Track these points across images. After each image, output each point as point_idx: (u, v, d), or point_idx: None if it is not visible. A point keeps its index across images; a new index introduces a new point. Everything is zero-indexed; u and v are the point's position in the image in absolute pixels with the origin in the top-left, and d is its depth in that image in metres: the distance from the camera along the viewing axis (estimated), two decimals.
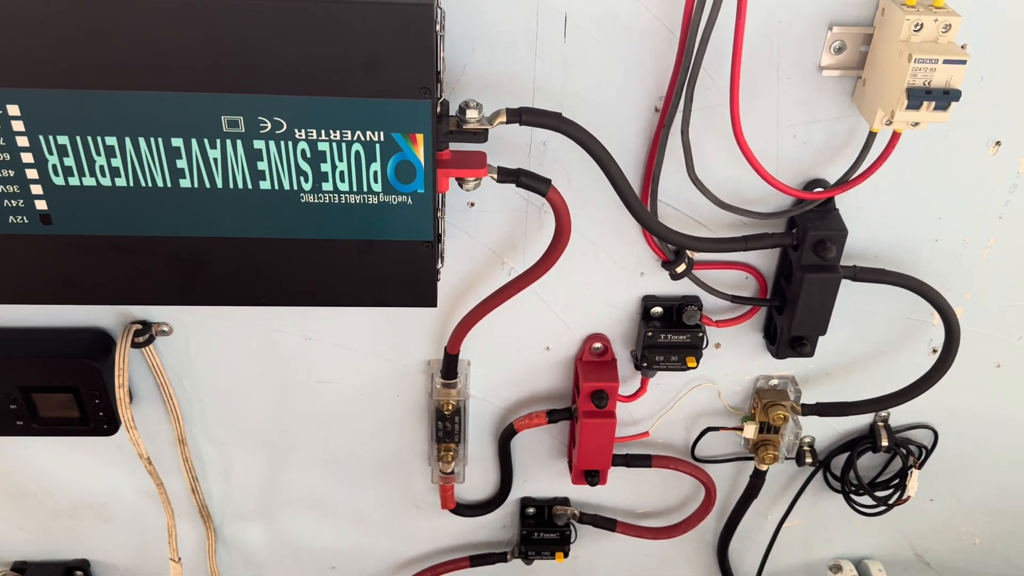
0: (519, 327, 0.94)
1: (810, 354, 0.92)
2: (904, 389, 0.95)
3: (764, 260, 0.92)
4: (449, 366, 0.93)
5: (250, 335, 0.93)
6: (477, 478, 1.07)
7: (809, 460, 1.05)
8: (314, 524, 1.11)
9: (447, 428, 0.97)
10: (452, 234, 0.86)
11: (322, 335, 0.93)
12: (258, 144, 0.68)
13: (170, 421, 0.97)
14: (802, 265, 0.85)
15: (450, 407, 0.96)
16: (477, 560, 1.13)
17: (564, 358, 0.97)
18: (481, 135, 0.71)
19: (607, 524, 1.10)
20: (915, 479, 1.03)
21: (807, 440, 1.05)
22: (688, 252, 0.88)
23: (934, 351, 0.98)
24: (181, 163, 0.69)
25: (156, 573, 1.13)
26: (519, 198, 0.85)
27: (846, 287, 0.87)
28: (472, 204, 0.85)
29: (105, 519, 1.08)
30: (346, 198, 0.71)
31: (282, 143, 0.68)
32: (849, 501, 1.08)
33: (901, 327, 0.97)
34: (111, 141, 0.68)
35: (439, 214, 0.75)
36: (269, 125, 0.67)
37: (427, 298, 0.77)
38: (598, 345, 0.96)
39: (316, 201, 0.71)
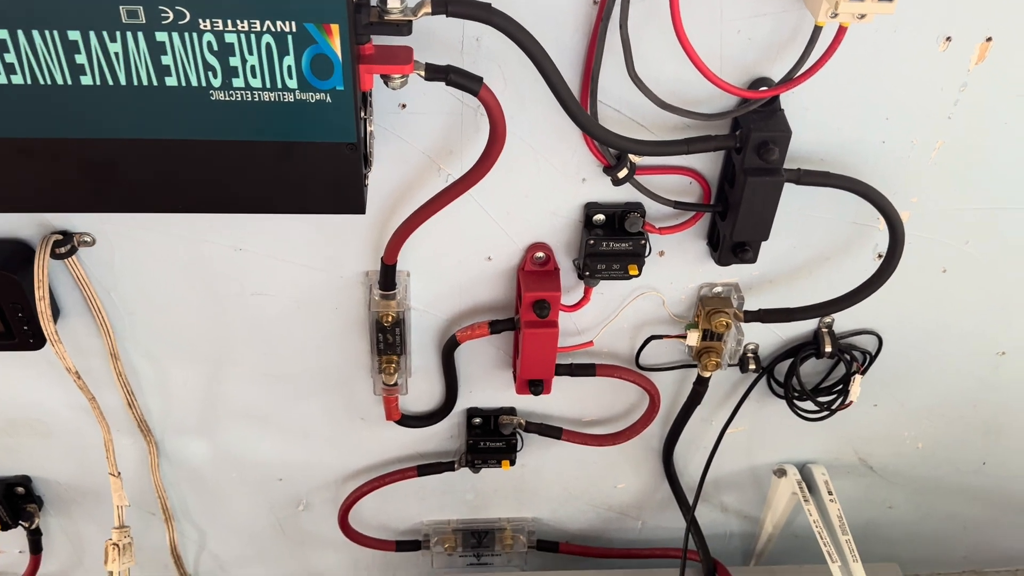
0: (459, 237, 0.92)
1: (752, 260, 0.91)
2: (848, 294, 0.94)
3: (708, 164, 0.89)
4: (387, 277, 0.91)
5: (178, 246, 0.90)
6: (422, 389, 1.06)
7: (752, 367, 1.05)
8: (259, 438, 1.10)
9: (388, 340, 0.96)
10: (383, 138, 0.82)
11: (253, 246, 0.90)
12: (160, 36, 0.63)
13: (100, 335, 0.95)
14: (745, 168, 0.83)
15: (390, 319, 0.94)
16: (425, 469, 1.13)
17: (506, 268, 0.95)
18: (404, 27, 0.67)
19: (553, 432, 1.10)
20: (858, 385, 1.04)
21: (750, 347, 1.05)
22: (630, 156, 0.85)
23: (879, 256, 0.98)
24: (80, 58, 0.64)
25: (98, 488, 1.12)
26: (453, 99, 0.81)
27: (790, 191, 0.85)
28: (404, 106, 0.81)
29: (42, 435, 1.06)
30: (260, 96, 0.67)
31: (186, 35, 0.63)
32: (792, 407, 1.08)
33: (846, 232, 0.96)
34: (2, 35, 0.63)
35: (363, 114, 0.71)
36: (171, 15, 0.62)
37: (354, 204, 0.74)
38: (540, 254, 0.94)
39: (227, 99, 0.67)
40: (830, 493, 1.15)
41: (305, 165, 0.71)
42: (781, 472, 1.20)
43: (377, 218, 0.89)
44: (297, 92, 0.67)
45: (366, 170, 0.75)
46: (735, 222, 0.86)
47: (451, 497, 1.22)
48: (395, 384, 1.00)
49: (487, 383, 1.07)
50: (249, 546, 1.26)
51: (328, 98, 0.67)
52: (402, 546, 1.24)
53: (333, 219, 0.88)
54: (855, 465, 1.22)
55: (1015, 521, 1.34)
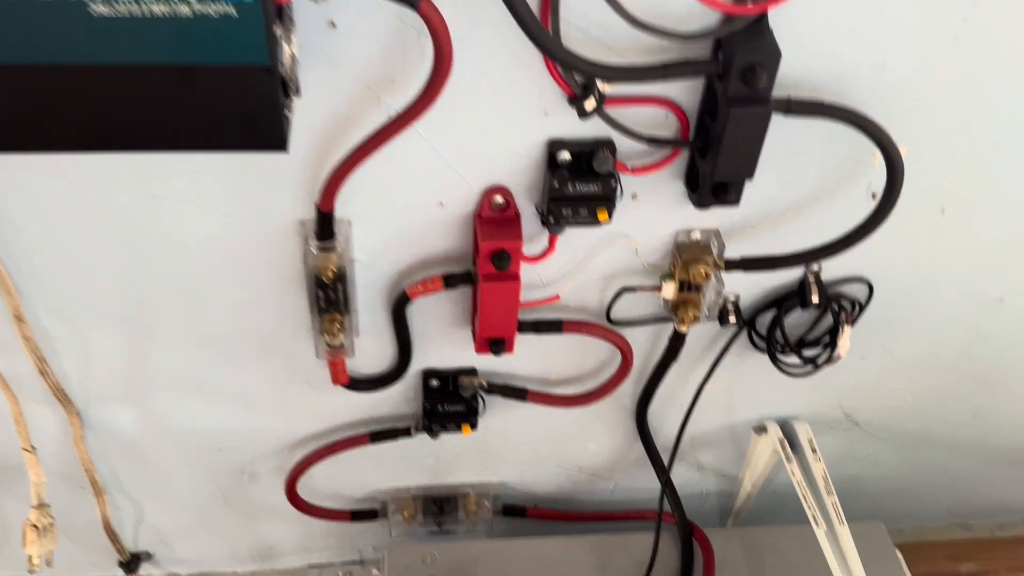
0: (406, 180, 0.81)
1: (735, 202, 0.81)
2: (840, 239, 0.85)
3: (686, 94, 0.79)
4: (324, 226, 0.80)
5: (83, 193, 0.78)
6: (372, 351, 0.97)
7: (733, 320, 0.96)
8: (193, 405, 1.00)
9: (330, 297, 0.85)
10: (311, 62, 0.71)
11: (167, 192, 0.79)
12: None
13: (1, 296, 0.83)
14: (728, 97, 0.73)
15: (330, 273, 0.83)
16: (378, 436, 1.04)
17: (460, 215, 0.85)
18: None
19: (517, 394, 1.01)
20: (847, 337, 0.96)
21: (731, 298, 0.96)
22: (598, 85, 0.75)
23: (873, 196, 0.88)
24: None
25: (18, 463, 1.02)
26: (392, 17, 0.70)
27: (777, 124, 0.76)
28: (333, 24, 0.69)
29: None
30: (150, 9, 0.55)
31: None
32: (775, 362, 1.00)
33: (837, 170, 0.86)
34: None
35: (280, 31, 0.59)
36: None
37: (273, 139, 0.63)
38: (498, 199, 0.83)
39: (111, 14, 0.55)
40: (814, 451, 1.08)
41: (211, 93, 0.59)
42: (761, 429, 1.13)
43: (309, 158, 0.78)
44: (195, 4, 0.55)
45: (288, 100, 0.64)
46: (717, 159, 0.76)
47: (409, 463, 1.13)
48: (340, 346, 0.90)
49: (444, 342, 0.97)
50: (191, 518, 1.18)
51: (234, 11, 0.56)
52: (357, 516, 1.16)
53: (258, 160, 0.77)
54: (840, 420, 1.15)
55: (1003, 474, 1.29)
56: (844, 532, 1.00)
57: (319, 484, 1.14)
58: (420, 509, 1.16)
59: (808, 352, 0.98)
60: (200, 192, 0.79)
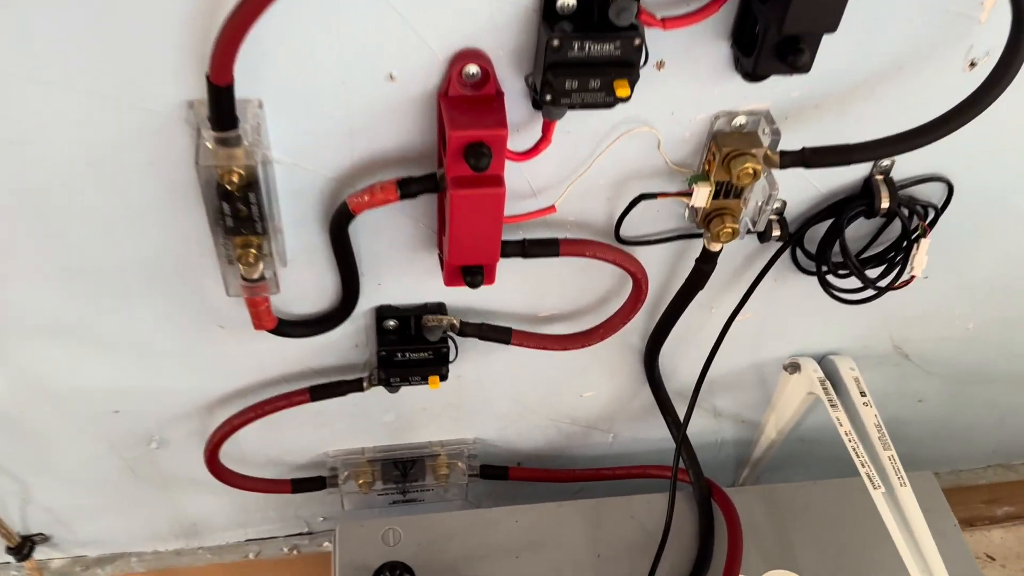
0: (341, 42, 0.56)
1: (807, 67, 0.58)
2: (938, 121, 0.62)
3: None
4: (220, 108, 0.55)
5: None
6: (307, 284, 0.73)
7: (777, 234, 0.74)
8: (71, 359, 0.76)
9: (239, 212, 0.61)
10: None
11: None
12: None
13: None
14: None
15: (236, 178, 0.59)
16: (320, 392, 0.82)
17: (420, 93, 0.60)
18: None
19: (499, 335, 0.79)
20: (924, 251, 0.74)
21: (776, 206, 0.74)
22: None
23: (972, 65, 0.66)
24: None
25: None
26: None
27: None
28: None
29: None
30: None
31: None
32: (826, 287, 0.79)
33: (931, 28, 0.63)
34: None
35: None
36: None
37: None
38: (472, 69, 0.59)
39: None
40: (863, 394, 0.88)
41: None
42: (793, 367, 0.93)
43: (193, 5, 0.52)
44: None
45: None
46: (789, 1, 0.53)
47: (363, 420, 0.91)
48: (260, 279, 0.66)
49: (402, 271, 0.74)
50: (92, 494, 0.95)
51: None
52: (300, 486, 0.94)
53: (117, 7, 0.51)
54: (887, 354, 0.95)
55: None
56: (906, 495, 0.80)
57: (250, 449, 0.91)
58: (379, 475, 0.95)
59: (871, 272, 0.77)
60: (40, 61, 0.53)
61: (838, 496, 0.94)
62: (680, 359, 0.90)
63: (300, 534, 1.07)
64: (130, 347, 0.76)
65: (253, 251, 0.64)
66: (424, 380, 0.80)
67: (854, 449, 0.83)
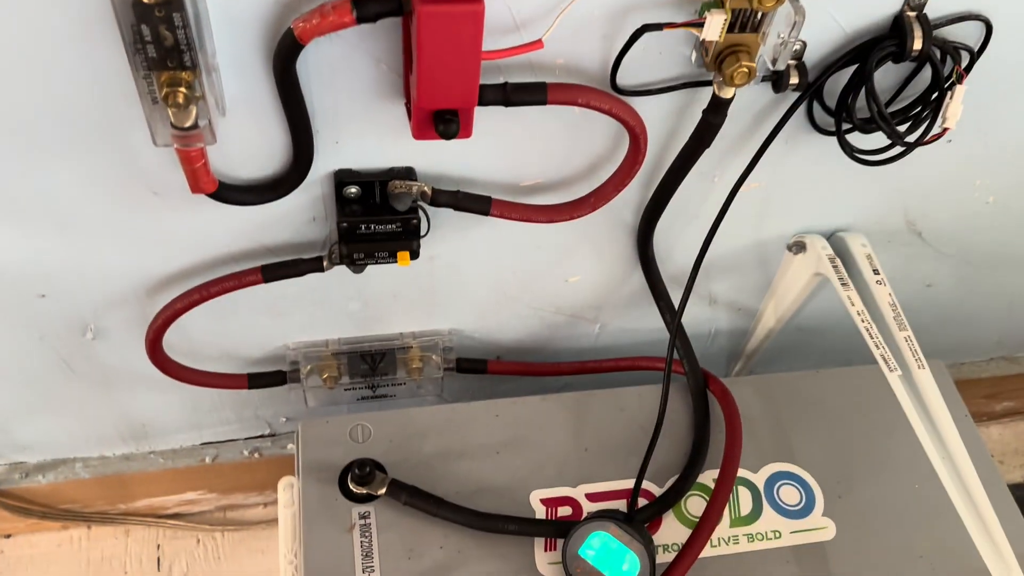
0: None
1: None
2: None
3: None
4: None
5: None
6: (251, 139, 0.63)
7: (795, 81, 0.65)
8: None
9: (161, 39, 0.50)
10: None
11: None
12: None
13: None
14: None
15: None
16: (274, 271, 0.72)
17: None
18: None
19: (477, 205, 0.69)
20: (959, 100, 0.65)
21: (795, 48, 0.64)
22: None
23: None
24: None
25: None
26: None
27: None
28: None
29: None
30: None
31: None
32: (846, 147, 0.70)
33: None
34: None
35: None
36: None
37: None
38: None
39: None
40: (876, 272, 0.80)
41: None
42: (798, 247, 0.85)
43: None
44: None
45: None
46: None
47: (326, 308, 0.82)
48: (193, 126, 0.55)
49: (363, 127, 0.64)
50: (25, 394, 0.85)
51: None
52: (257, 381, 0.85)
53: None
54: (899, 232, 0.87)
55: None
56: (925, 378, 0.74)
57: (200, 341, 0.82)
58: (345, 369, 0.86)
59: (898, 126, 0.68)
60: None
61: (842, 385, 0.88)
62: (676, 239, 0.82)
63: (261, 436, 0.99)
64: (49, 218, 0.66)
65: (182, 90, 0.53)
66: (392, 257, 0.70)
67: (867, 330, 0.75)
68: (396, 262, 0.70)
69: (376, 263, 0.71)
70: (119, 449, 0.96)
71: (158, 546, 1.03)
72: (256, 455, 0.99)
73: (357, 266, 0.72)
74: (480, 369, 0.90)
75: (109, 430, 0.93)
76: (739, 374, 1.04)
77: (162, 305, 0.73)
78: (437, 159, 0.68)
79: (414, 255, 0.71)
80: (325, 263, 0.72)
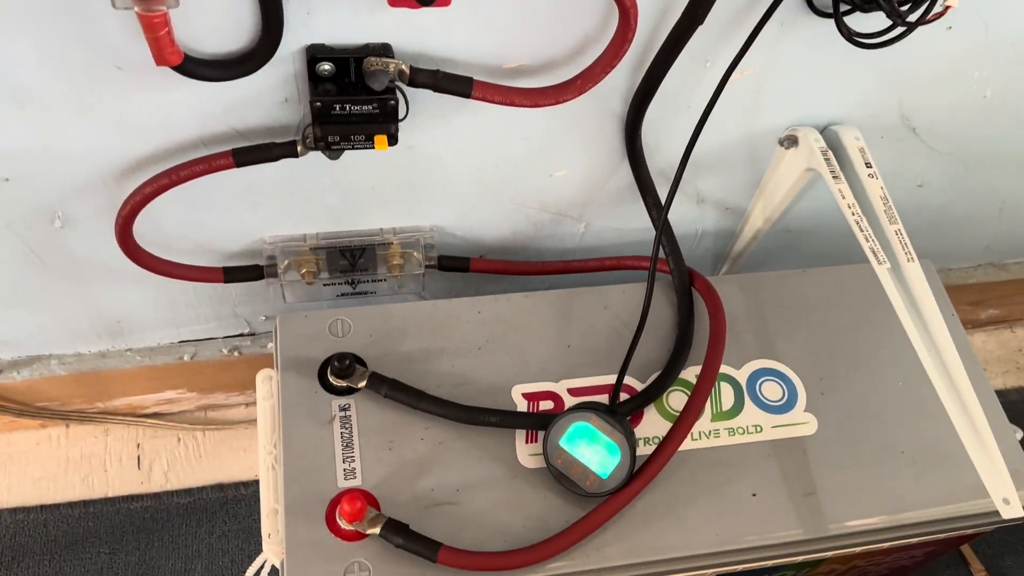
0: None
1: None
2: None
3: None
4: None
5: None
6: (216, 9, 0.59)
7: None
8: None
9: None
10: None
11: None
12: None
13: None
14: None
15: None
16: (246, 155, 0.69)
17: None
18: None
19: (458, 86, 0.66)
20: None
21: None
22: None
23: None
24: None
25: None
26: None
27: None
28: None
29: None
30: None
31: None
32: (843, 28, 0.67)
33: None
34: None
35: None
36: None
37: None
38: None
39: None
40: (868, 165, 0.78)
41: None
42: (790, 141, 0.82)
43: None
44: None
45: None
46: None
47: (302, 200, 0.79)
48: None
49: None
50: None
51: None
52: (233, 274, 0.83)
53: None
54: (894, 127, 0.85)
55: None
56: (914, 271, 0.72)
57: (173, 232, 0.80)
58: (324, 265, 0.84)
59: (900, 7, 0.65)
60: None
61: (828, 284, 0.86)
62: (665, 131, 0.79)
63: (241, 335, 0.97)
64: (8, 94, 0.63)
65: None
66: (369, 141, 0.68)
67: (857, 223, 0.74)
68: (373, 146, 0.68)
69: (353, 148, 0.68)
70: (95, 346, 0.95)
71: (138, 445, 1.03)
72: (236, 354, 0.97)
73: (333, 151, 0.69)
74: (462, 267, 0.88)
75: (84, 326, 0.91)
76: (738, 274, 1.03)
77: (130, 191, 0.71)
78: (415, 36, 0.65)
79: (392, 139, 0.68)
80: (299, 147, 0.69)
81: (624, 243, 0.94)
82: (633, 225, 0.91)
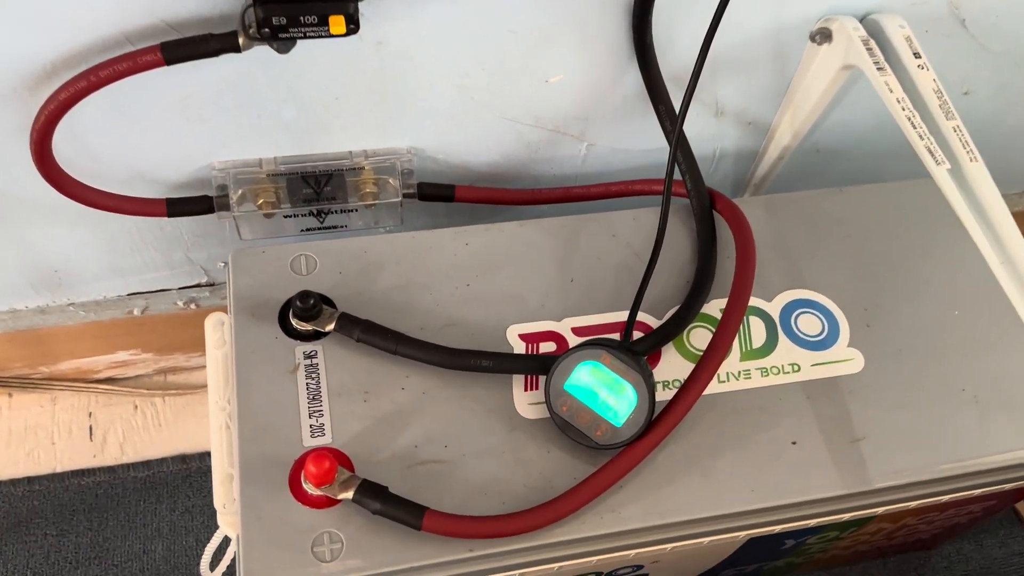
0: None
1: None
2: None
3: None
4: None
5: None
6: None
7: None
8: None
9: None
10: None
11: None
12: None
13: None
14: None
15: None
16: (176, 49, 0.57)
17: None
18: None
19: None
20: None
21: None
22: None
23: None
24: None
25: None
26: None
27: None
28: None
29: None
30: None
31: None
32: None
33: None
34: None
35: None
36: None
37: None
38: None
39: None
40: (917, 55, 0.67)
41: None
42: (823, 35, 0.71)
43: None
44: None
45: None
46: None
47: (254, 116, 0.68)
48: None
49: None
50: None
51: None
52: (178, 206, 0.71)
53: None
54: (941, 18, 0.73)
55: None
56: (978, 172, 0.61)
57: (104, 156, 0.68)
58: (284, 195, 0.73)
59: None
60: None
61: (868, 204, 0.75)
62: (679, 25, 0.68)
63: (198, 285, 0.86)
64: None
65: None
66: (323, 24, 0.56)
67: (909, 119, 0.62)
68: (329, 31, 0.56)
69: (304, 35, 0.56)
70: (31, 301, 0.83)
71: (89, 414, 0.92)
72: (192, 306, 0.86)
73: (281, 40, 0.57)
74: (446, 195, 0.76)
75: (15, 277, 0.79)
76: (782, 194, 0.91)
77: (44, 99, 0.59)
78: None
79: (351, 21, 0.56)
80: (241, 39, 0.57)
81: (632, 168, 0.83)
82: (642, 145, 0.80)
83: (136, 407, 0.93)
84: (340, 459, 0.59)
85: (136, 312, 0.85)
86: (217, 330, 0.65)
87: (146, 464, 0.89)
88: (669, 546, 0.63)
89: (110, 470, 0.89)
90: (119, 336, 0.87)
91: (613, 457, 0.59)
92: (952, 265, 0.72)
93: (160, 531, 0.87)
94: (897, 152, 0.85)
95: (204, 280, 0.85)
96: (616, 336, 0.66)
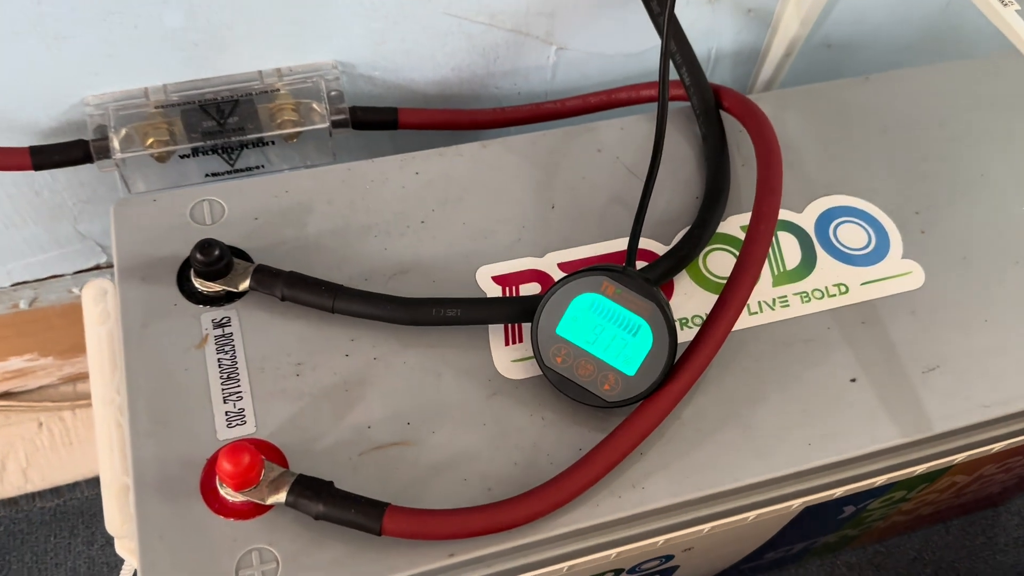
0: None
1: None
2: None
3: None
4: None
5: None
6: None
7: None
8: None
9: None
10: None
11: None
12: None
13: None
14: None
15: None
16: None
17: None
18: None
19: None
20: None
21: None
22: None
23: None
24: None
25: None
26: None
27: None
28: None
29: None
30: None
31: None
32: None
33: None
34: None
35: None
36: None
37: None
38: None
39: None
40: None
41: None
42: None
43: None
44: None
45: None
46: None
47: (130, 27, 0.53)
48: None
49: None
50: None
51: None
52: (45, 155, 0.56)
53: None
54: None
55: None
56: None
57: None
58: (180, 131, 0.58)
59: None
60: None
61: (903, 91, 0.62)
62: None
63: (96, 267, 0.70)
64: None
65: None
66: None
67: None
68: None
69: None
70: None
71: None
72: None
73: None
74: (388, 121, 0.62)
75: None
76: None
77: None
78: None
79: None
80: None
81: (613, 80, 0.69)
82: (625, 48, 0.66)
83: (41, 424, 0.77)
84: (267, 452, 0.45)
85: (23, 305, 0.69)
86: (99, 302, 0.50)
87: (55, 491, 0.74)
88: (706, 527, 0.49)
89: (12, 502, 0.73)
90: (7, 338, 0.71)
91: (628, 416, 0.45)
92: (1011, 153, 0.59)
93: (76, 570, 0.71)
94: (918, 44, 0.72)
95: (104, 261, 0.70)
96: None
